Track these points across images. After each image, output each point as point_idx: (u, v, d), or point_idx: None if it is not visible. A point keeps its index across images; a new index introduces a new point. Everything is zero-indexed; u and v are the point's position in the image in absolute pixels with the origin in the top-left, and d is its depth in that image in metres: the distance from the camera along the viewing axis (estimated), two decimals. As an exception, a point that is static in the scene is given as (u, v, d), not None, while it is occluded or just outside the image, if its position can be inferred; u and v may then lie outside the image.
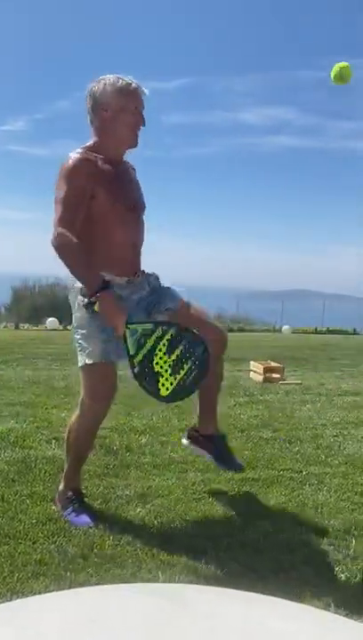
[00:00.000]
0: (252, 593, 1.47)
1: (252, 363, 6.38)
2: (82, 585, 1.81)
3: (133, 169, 2.50)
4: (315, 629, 1.12)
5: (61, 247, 2.17)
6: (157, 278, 2.49)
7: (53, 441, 3.31)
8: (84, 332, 2.29)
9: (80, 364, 2.32)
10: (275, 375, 5.93)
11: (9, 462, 2.94)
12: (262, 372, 5.92)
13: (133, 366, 2.17)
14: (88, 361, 2.28)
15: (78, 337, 2.32)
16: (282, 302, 25.88)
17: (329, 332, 20.37)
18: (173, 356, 2.15)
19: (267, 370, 5.95)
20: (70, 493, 2.40)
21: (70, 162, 2.24)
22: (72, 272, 2.22)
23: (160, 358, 2.15)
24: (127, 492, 2.61)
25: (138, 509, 2.44)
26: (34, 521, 2.28)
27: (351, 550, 2.16)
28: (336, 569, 2.01)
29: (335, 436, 3.82)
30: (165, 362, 2.14)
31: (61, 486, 2.46)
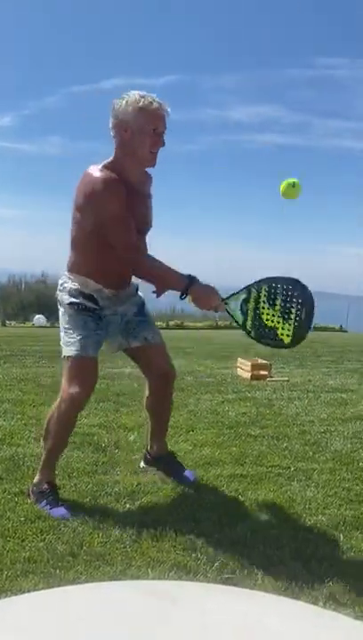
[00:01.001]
0: (242, 589, 1.47)
1: (239, 360, 6.40)
2: (71, 582, 1.80)
3: (151, 179, 2.56)
4: (307, 625, 1.12)
5: (148, 270, 2.38)
6: (142, 300, 2.68)
7: (42, 438, 3.29)
8: (67, 326, 2.46)
9: (63, 355, 2.46)
10: (262, 372, 5.95)
11: (-3, 460, 2.92)
12: (249, 369, 5.94)
13: (248, 332, 2.31)
14: (68, 353, 2.42)
15: (63, 333, 2.48)
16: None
17: (316, 329, 20.49)
18: (277, 307, 2.24)
19: (254, 367, 5.97)
20: (45, 486, 2.45)
21: (106, 181, 2.28)
22: (163, 285, 2.41)
23: (267, 314, 2.26)
24: (116, 490, 2.60)
25: (127, 506, 2.44)
26: (22, 519, 2.27)
27: (339, 545, 2.18)
28: (325, 564, 2.03)
29: (323, 432, 3.84)
30: (272, 315, 2.25)
31: (36, 478, 2.51)
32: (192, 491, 2.64)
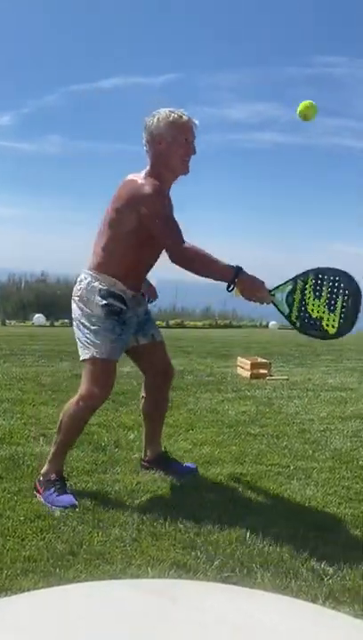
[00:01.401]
0: (242, 587, 1.47)
1: (239, 359, 6.40)
2: (71, 581, 1.81)
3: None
4: (307, 623, 1.12)
5: (197, 256, 2.38)
6: (146, 300, 2.78)
7: (41, 437, 3.29)
8: (95, 328, 2.47)
9: (87, 357, 2.49)
10: (262, 371, 5.95)
11: (-4, 459, 2.92)
12: (249, 367, 5.94)
13: (293, 324, 2.34)
14: (97, 355, 2.46)
15: (87, 332, 2.49)
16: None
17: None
18: (324, 298, 2.26)
19: (254, 366, 5.97)
20: (53, 476, 2.51)
21: (154, 185, 2.44)
22: (209, 273, 2.37)
23: (313, 305, 2.28)
24: (116, 488, 2.61)
25: (127, 505, 2.44)
26: (22, 518, 2.27)
27: (339, 544, 2.18)
28: (324, 562, 2.03)
29: (322, 430, 3.85)
30: (318, 306, 2.26)
31: (44, 469, 2.56)
32: (192, 490, 2.65)
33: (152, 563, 1.97)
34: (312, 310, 2.26)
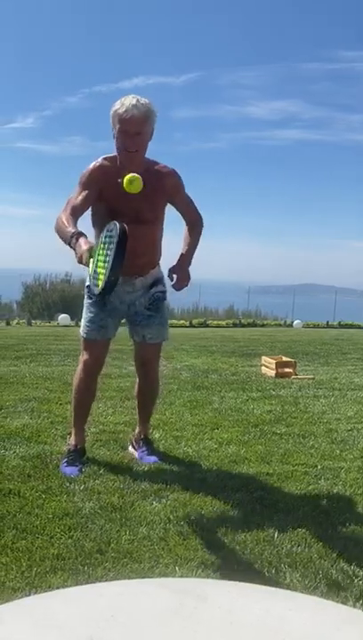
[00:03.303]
0: (271, 587, 1.47)
1: (264, 358, 6.37)
2: (100, 579, 1.82)
3: (161, 176, 2.69)
4: (335, 624, 1.11)
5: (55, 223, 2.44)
6: (162, 298, 2.87)
7: (68, 436, 3.32)
8: (83, 310, 2.86)
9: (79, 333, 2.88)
10: (287, 370, 5.92)
11: (24, 458, 2.96)
12: (274, 366, 5.91)
13: (93, 278, 2.20)
14: (81, 334, 2.86)
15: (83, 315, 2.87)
16: (293, 296, 25.78)
17: (341, 325, 20.26)
18: (104, 254, 2.11)
19: (279, 365, 5.94)
20: (72, 447, 2.90)
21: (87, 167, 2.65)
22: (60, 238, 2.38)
23: (99, 261, 2.14)
24: (143, 487, 2.61)
25: (154, 504, 2.44)
26: (50, 516, 2.29)
27: (368, 545, 2.16)
28: (354, 563, 2.00)
29: (350, 430, 3.80)
30: (102, 262, 2.11)
31: (69, 438, 3.00)
32: (218, 489, 2.64)
33: (180, 562, 1.97)
34: (98, 266, 2.14)
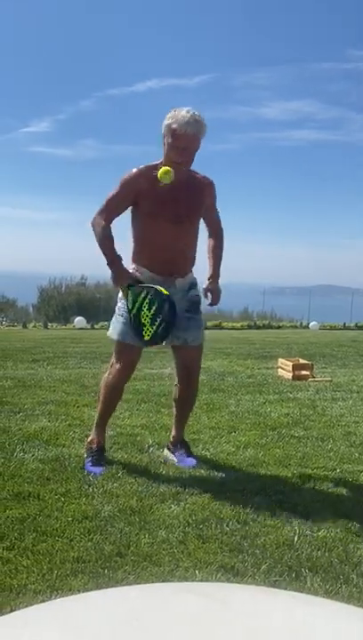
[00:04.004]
0: (293, 592, 1.46)
1: (280, 360, 6.34)
2: (120, 583, 1.82)
3: (203, 186, 2.90)
4: (359, 629, 1.10)
5: (93, 228, 2.84)
6: (199, 302, 2.99)
7: (86, 439, 3.33)
8: (116, 311, 2.93)
9: (110, 336, 2.97)
10: (304, 372, 5.88)
11: (43, 461, 2.98)
12: (291, 369, 5.88)
13: (130, 311, 2.78)
14: (113, 336, 2.93)
15: (114, 317, 2.96)
16: (309, 298, 25.64)
17: (358, 327, 20.09)
18: (151, 312, 2.72)
19: (296, 367, 5.91)
20: (95, 446, 2.97)
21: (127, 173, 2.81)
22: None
23: (145, 313, 2.74)
24: (161, 490, 2.61)
25: (173, 507, 2.44)
26: (70, 519, 2.30)
27: (389, 549, 2.13)
28: (375, 568, 1.98)
29: (368, 433, 3.77)
30: (147, 315, 2.74)
31: (90, 436, 3.05)
32: (237, 492, 2.63)
33: (199, 565, 1.97)
34: (143, 317, 2.75)
